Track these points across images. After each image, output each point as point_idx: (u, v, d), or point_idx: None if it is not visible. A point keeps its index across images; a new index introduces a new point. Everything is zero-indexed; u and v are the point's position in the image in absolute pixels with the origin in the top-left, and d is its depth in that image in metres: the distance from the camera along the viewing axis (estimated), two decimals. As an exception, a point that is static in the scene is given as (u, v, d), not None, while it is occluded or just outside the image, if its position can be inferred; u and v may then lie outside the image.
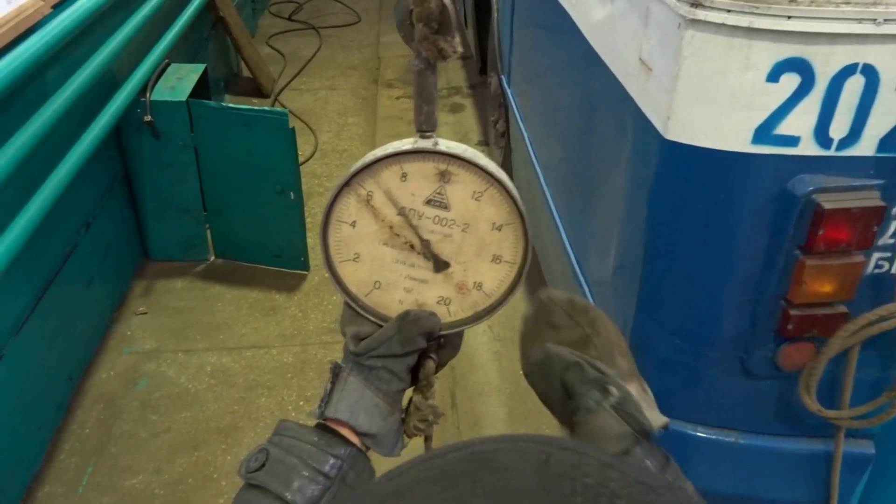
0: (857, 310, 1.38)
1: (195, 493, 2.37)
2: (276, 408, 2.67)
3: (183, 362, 2.85)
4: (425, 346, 0.78)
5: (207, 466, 2.45)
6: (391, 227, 0.76)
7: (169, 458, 2.47)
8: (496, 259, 0.77)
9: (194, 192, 3.17)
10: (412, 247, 0.77)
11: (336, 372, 0.77)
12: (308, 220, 3.24)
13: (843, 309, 1.36)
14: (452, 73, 5.20)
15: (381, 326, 0.79)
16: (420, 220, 0.76)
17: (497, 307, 0.80)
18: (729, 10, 1.17)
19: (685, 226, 1.40)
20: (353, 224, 0.76)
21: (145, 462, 2.46)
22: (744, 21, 1.16)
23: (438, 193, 0.74)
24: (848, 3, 1.12)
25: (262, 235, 3.24)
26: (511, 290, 0.79)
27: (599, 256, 1.79)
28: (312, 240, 3.43)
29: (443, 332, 0.80)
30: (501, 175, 0.73)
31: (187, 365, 2.84)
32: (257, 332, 3.01)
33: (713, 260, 1.40)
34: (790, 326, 1.37)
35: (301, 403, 2.69)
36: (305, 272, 3.31)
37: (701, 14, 1.19)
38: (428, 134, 0.73)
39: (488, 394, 2.74)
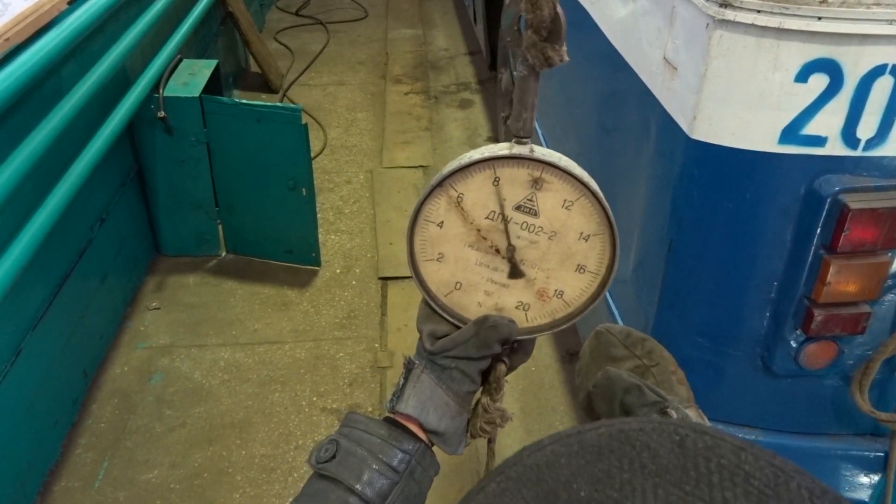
0: (879, 310, 1.38)
1: (211, 487, 2.38)
2: (290, 403, 2.68)
3: (196, 357, 2.86)
4: (500, 351, 0.78)
5: (222, 461, 2.46)
6: (478, 231, 0.76)
7: (184, 453, 2.48)
8: (580, 269, 0.77)
9: (206, 187, 3.18)
10: (497, 251, 0.77)
11: (409, 368, 0.78)
12: (319, 215, 3.25)
13: (867, 308, 1.37)
14: (461, 69, 5.20)
15: (457, 327, 0.79)
16: (508, 225, 0.76)
17: (575, 317, 0.80)
18: (759, 11, 1.17)
19: (710, 225, 1.40)
20: (441, 224, 0.77)
21: (161, 456, 2.47)
22: (773, 22, 1.17)
23: (529, 200, 0.74)
24: (879, 5, 1.13)
25: (274, 231, 3.25)
26: (592, 300, 0.78)
27: (619, 252, 1.79)
28: (324, 235, 3.44)
29: (518, 338, 0.80)
30: (594, 185, 0.73)
31: (201, 360, 2.85)
32: (270, 328, 3.02)
33: (737, 259, 1.41)
34: (814, 326, 1.37)
35: (315, 399, 2.70)
36: (317, 268, 3.31)
37: (730, 14, 1.19)
38: (524, 140, 0.73)
39: (501, 390, 2.74)
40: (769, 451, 0.36)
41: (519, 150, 0.73)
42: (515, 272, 0.78)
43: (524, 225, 0.75)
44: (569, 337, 2.91)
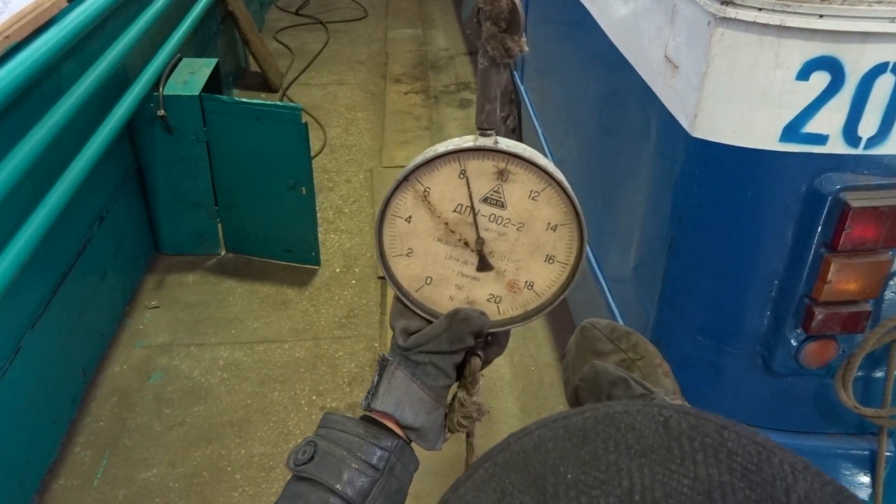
0: (880, 308, 1.38)
1: (210, 486, 2.38)
2: (289, 402, 2.68)
3: (196, 356, 2.86)
4: (473, 345, 0.78)
5: (221, 460, 2.46)
6: (446, 224, 0.76)
7: (183, 452, 2.48)
8: (549, 259, 0.77)
9: (206, 186, 3.17)
10: (466, 244, 0.77)
11: (383, 365, 0.78)
12: (318, 214, 3.25)
13: (867, 307, 1.36)
14: (460, 69, 5.20)
15: (430, 322, 0.79)
16: (476, 218, 0.76)
17: (547, 307, 0.80)
18: (760, 9, 1.17)
19: (711, 223, 1.40)
20: (409, 219, 0.77)
21: (160, 455, 2.47)
22: (775, 19, 1.17)
23: (495, 192, 0.74)
24: (880, 3, 1.13)
25: (274, 230, 3.24)
26: (562, 290, 0.79)
27: (619, 253, 1.79)
28: (323, 234, 3.44)
29: (491, 331, 0.80)
30: (559, 175, 0.73)
31: (200, 359, 2.85)
32: (269, 327, 3.02)
33: (738, 257, 1.41)
34: (815, 324, 1.37)
35: (314, 398, 2.70)
36: (317, 267, 3.31)
37: (731, 12, 1.19)
38: (488, 132, 0.73)
39: (500, 388, 2.74)
40: (751, 429, 0.37)
41: (483, 141, 0.73)
42: (484, 265, 0.78)
43: (492, 217, 0.75)
44: (568, 336, 2.90)
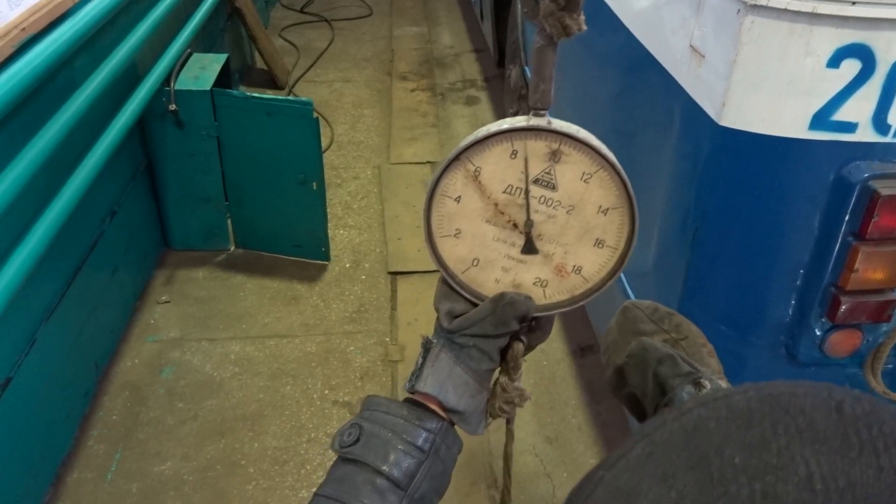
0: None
1: (224, 479, 2.38)
2: (302, 396, 2.67)
3: (207, 351, 2.86)
4: (518, 329, 0.77)
5: (235, 453, 2.46)
6: (496, 205, 0.75)
7: (196, 445, 2.48)
8: (599, 243, 0.75)
9: (216, 181, 3.17)
10: (515, 226, 0.76)
11: (427, 347, 0.77)
12: (327, 210, 3.24)
13: (894, 296, 1.37)
14: (467, 66, 5.20)
15: (475, 305, 0.78)
16: (528, 199, 0.75)
17: (594, 292, 0.78)
18: (792, -4, 1.17)
19: (737, 212, 1.40)
20: (458, 199, 0.75)
21: (173, 448, 2.46)
22: (807, 6, 1.17)
23: (547, 173, 0.73)
24: (913, -11, 1.13)
25: (284, 225, 3.24)
26: (611, 276, 0.77)
27: (638, 244, 1.79)
28: (332, 230, 3.44)
29: (536, 315, 0.79)
30: (613, 158, 0.72)
31: (211, 353, 2.84)
32: (279, 322, 3.02)
33: (764, 246, 1.41)
34: (840, 313, 1.37)
35: (326, 392, 2.70)
36: (326, 262, 3.31)
37: (762, 0, 1.19)
38: (542, 112, 0.72)
39: (512, 384, 2.74)
40: None
41: (536, 121, 0.72)
42: (530, 247, 0.77)
43: (542, 199, 0.74)
44: (580, 331, 2.91)
